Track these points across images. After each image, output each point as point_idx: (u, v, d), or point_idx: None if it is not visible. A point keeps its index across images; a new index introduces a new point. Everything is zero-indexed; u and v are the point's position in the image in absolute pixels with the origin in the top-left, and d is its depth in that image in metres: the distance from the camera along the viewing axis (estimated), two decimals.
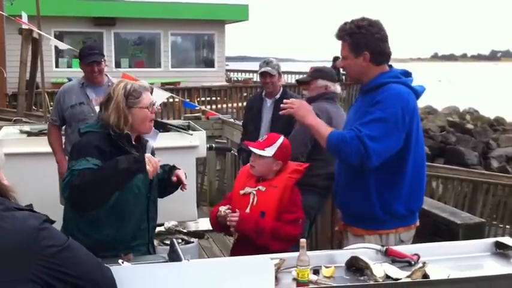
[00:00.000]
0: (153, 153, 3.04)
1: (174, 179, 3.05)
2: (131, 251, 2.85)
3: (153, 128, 3.02)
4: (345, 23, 2.96)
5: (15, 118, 8.95)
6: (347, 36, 2.93)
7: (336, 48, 3.16)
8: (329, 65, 13.04)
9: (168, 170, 3.13)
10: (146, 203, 2.98)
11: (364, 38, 2.89)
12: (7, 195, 1.80)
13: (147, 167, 2.66)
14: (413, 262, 2.48)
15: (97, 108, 4.37)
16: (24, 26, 9.72)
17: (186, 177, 3.09)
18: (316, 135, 3.00)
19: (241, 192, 3.18)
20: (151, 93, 2.97)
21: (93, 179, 2.60)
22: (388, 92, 2.85)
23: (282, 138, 3.24)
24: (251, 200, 3.13)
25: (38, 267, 1.67)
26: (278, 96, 4.85)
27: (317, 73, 4.34)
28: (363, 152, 2.73)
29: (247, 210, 3.12)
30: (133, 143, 2.90)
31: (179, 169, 3.13)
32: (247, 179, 3.23)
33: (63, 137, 4.69)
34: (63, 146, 4.62)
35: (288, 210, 3.14)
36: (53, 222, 1.82)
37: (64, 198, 2.77)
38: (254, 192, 3.15)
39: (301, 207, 3.23)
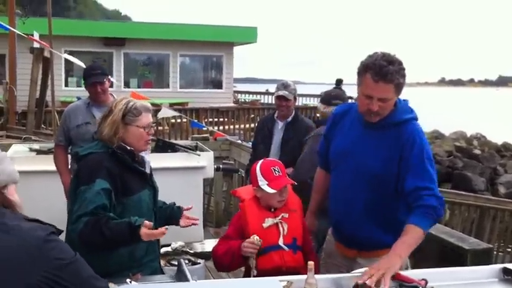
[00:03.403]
0: (150, 169, 3.02)
1: (183, 223, 3.16)
2: (144, 267, 2.83)
3: None
4: (387, 65, 2.59)
5: (24, 136, 9.01)
6: (399, 77, 2.63)
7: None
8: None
9: (177, 209, 3.21)
10: (153, 216, 2.97)
11: None
12: (12, 210, 1.82)
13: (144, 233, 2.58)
14: (420, 287, 2.48)
15: None
16: (35, 45, 9.82)
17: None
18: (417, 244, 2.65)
19: (265, 225, 2.96)
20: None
21: (98, 240, 2.57)
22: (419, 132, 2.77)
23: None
24: (281, 230, 2.97)
25: (42, 278, 1.66)
26: (290, 119, 4.88)
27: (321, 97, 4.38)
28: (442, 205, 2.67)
29: (281, 240, 2.95)
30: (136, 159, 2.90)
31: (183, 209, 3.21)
32: (259, 210, 3.03)
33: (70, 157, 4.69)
34: (69, 166, 4.62)
35: (308, 238, 3.14)
36: (60, 232, 1.82)
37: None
38: (280, 221, 2.98)
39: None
